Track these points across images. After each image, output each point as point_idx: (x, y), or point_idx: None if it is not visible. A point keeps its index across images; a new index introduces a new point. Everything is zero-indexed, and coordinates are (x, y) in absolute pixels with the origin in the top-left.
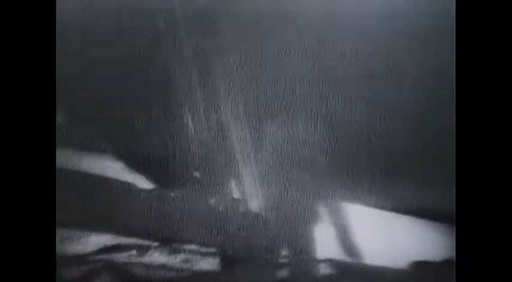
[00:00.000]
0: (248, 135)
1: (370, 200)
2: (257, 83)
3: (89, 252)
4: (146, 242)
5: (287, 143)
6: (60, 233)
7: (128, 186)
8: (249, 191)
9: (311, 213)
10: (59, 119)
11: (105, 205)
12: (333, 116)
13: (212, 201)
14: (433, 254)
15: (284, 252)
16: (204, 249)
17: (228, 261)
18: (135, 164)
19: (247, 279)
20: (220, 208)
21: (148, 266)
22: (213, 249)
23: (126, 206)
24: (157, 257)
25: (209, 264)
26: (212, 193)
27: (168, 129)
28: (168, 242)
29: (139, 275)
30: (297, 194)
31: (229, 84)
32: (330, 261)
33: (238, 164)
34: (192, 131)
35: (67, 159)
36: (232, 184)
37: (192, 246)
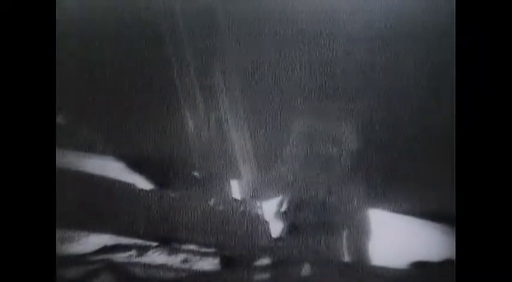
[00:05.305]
0: (248, 135)
1: (370, 201)
2: (257, 83)
3: (89, 252)
4: (146, 242)
5: (288, 142)
6: (60, 233)
7: (127, 187)
8: (249, 191)
9: (310, 212)
10: (59, 119)
11: (105, 205)
12: (332, 116)
13: (212, 201)
14: (433, 254)
15: (283, 252)
16: (203, 249)
17: (228, 261)
18: (135, 164)
19: (247, 279)
20: (220, 208)
21: (148, 266)
22: (213, 249)
23: (126, 206)
24: (157, 257)
25: (209, 264)
26: (212, 193)
27: (168, 130)
28: (168, 242)
29: (139, 275)
30: (297, 194)
31: (229, 84)
32: (331, 261)
33: (238, 164)
34: (192, 131)
35: (67, 159)
36: (232, 184)
37: (192, 246)
